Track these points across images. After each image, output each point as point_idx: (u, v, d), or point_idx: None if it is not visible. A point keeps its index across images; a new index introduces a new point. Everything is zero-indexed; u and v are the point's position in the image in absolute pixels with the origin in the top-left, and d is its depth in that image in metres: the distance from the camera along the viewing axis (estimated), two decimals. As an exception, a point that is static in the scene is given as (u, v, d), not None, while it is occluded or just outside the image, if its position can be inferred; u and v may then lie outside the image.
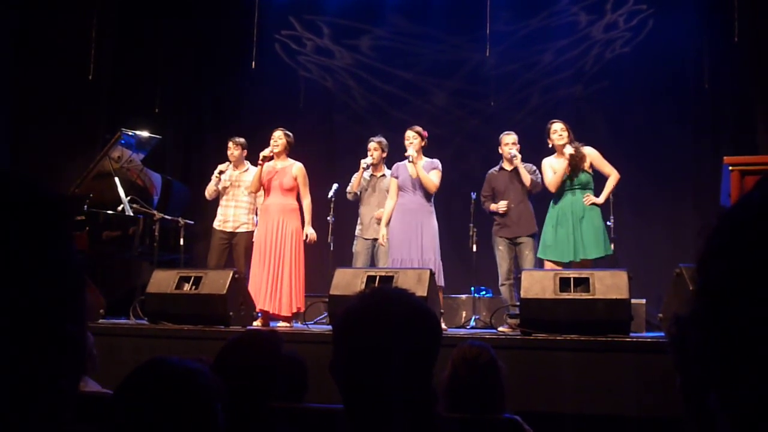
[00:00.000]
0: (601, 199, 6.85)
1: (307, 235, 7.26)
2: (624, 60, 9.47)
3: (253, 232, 7.87)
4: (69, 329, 0.83)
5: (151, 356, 1.66)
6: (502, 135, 7.30)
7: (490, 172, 7.43)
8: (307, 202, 7.32)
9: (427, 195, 7.08)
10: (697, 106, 9.06)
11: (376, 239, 7.56)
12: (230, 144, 8.09)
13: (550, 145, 6.99)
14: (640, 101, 9.24)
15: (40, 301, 0.81)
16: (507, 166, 7.25)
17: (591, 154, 6.90)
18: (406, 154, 7.05)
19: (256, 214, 7.96)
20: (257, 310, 7.05)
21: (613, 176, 6.89)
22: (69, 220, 0.91)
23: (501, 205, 7.16)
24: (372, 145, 7.60)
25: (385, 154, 7.65)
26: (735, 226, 0.71)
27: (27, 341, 0.80)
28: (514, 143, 7.19)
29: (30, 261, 0.82)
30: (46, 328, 0.81)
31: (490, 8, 9.22)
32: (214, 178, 8.00)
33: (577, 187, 6.82)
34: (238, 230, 7.95)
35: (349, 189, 7.80)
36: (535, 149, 7.37)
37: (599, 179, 6.95)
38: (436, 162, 7.16)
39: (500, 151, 7.29)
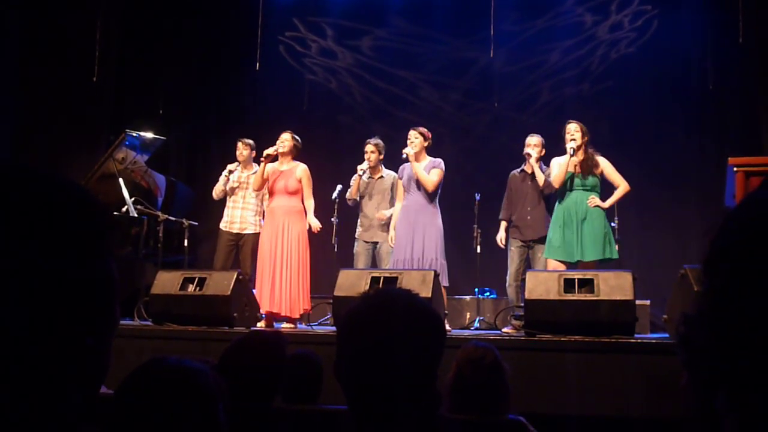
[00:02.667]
0: (605, 204, 6.80)
1: (310, 225, 7.27)
2: (629, 60, 9.45)
3: (259, 233, 7.88)
4: (88, 343, 0.83)
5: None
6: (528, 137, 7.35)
7: (511, 173, 7.45)
8: (309, 202, 7.34)
9: (430, 195, 7.06)
10: (701, 107, 9.04)
11: (376, 242, 7.56)
12: (240, 144, 8.09)
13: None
14: (645, 102, 9.22)
15: (63, 312, 0.80)
16: (527, 168, 7.26)
17: (603, 164, 6.87)
18: (403, 151, 7.05)
19: (263, 217, 7.97)
20: (263, 311, 7.06)
21: (622, 186, 6.84)
22: (114, 232, 0.90)
23: (499, 238, 7.29)
24: (369, 148, 7.60)
25: (381, 156, 7.65)
26: (740, 225, 0.71)
27: (41, 350, 0.79)
28: (536, 145, 7.18)
29: (65, 271, 0.81)
30: (63, 339, 0.80)
31: (495, 9, 9.21)
32: (222, 177, 7.99)
33: (583, 188, 6.79)
34: (244, 232, 7.95)
35: (348, 195, 7.78)
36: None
37: (608, 184, 6.91)
38: (438, 161, 7.15)
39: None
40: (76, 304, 0.81)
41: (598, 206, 6.74)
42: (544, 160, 7.22)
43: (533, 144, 7.20)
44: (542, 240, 7.03)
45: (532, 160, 7.12)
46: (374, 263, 7.59)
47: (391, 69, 10.20)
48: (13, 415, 0.78)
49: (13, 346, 0.77)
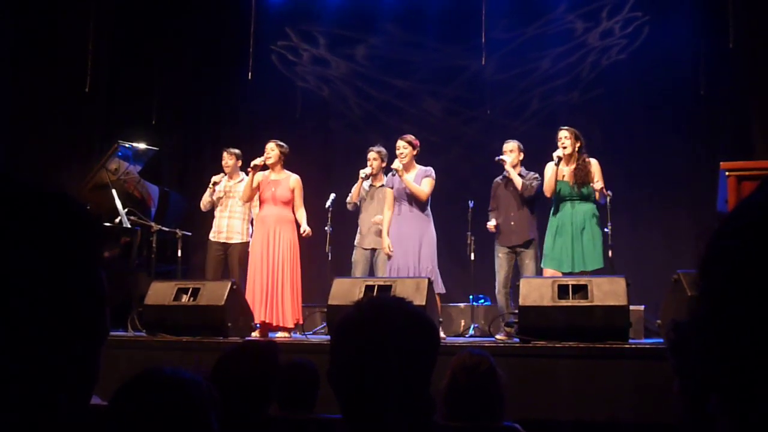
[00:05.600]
0: (600, 184, 6.78)
1: (304, 230, 7.27)
2: (620, 67, 9.48)
3: (247, 242, 7.86)
4: (77, 349, 0.82)
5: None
6: None
7: (495, 180, 7.47)
8: (300, 212, 7.34)
9: (422, 204, 7.05)
10: (693, 113, 9.07)
11: (375, 249, 7.54)
12: (225, 154, 8.10)
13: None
14: (636, 108, 9.24)
15: (53, 321, 0.80)
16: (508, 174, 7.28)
17: (594, 165, 6.89)
18: (392, 167, 7.05)
19: (252, 224, 7.96)
20: (256, 321, 7.04)
21: (601, 182, 6.83)
22: (103, 243, 0.91)
23: (490, 225, 7.23)
24: (371, 155, 7.58)
25: (384, 164, 7.62)
26: (737, 229, 0.71)
27: (30, 358, 0.79)
28: (512, 150, 7.23)
29: (55, 278, 0.80)
30: (52, 348, 0.80)
31: (486, 17, 9.23)
32: (208, 189, 8.00)
33: (578, 198, 6.81)
34: (231, 241, 7.93)
35: (348, 199, 7.77)
36: (532, 156, 7.38)
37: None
38: (429, 170, 7.15)
39: None
40: (66, 313, 0.81)
41: (600, 190, 6.73)
42: (534, 166, 7.23)
43: (508, 150, 7.27)
44: (528, 245, 7.06)
45: (507, 166, 7.16)
46: (373, 270, 7.57)
47: (383, 77, 10.21)
48: (2, 424, 0.78)
49: (2, 355, 0.77)
